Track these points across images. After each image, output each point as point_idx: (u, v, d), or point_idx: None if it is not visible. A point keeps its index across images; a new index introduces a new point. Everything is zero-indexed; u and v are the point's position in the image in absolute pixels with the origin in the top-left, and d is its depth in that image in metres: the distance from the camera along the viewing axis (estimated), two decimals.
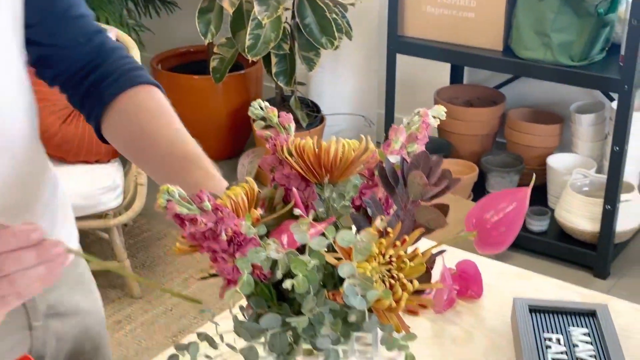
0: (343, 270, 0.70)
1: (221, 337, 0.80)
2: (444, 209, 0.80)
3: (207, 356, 0.79)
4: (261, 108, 0.90)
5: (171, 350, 0.80)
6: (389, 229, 0.79)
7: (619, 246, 2.98)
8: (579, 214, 2.91)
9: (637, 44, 2.56)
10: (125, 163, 2.82)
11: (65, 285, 1.12)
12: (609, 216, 2.80)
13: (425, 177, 0.80)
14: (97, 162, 2.65)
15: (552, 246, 2.99)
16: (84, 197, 2.55)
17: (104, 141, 1.11)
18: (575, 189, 2.95)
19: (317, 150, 0.85)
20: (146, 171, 1.11)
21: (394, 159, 0.83)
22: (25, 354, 1.06)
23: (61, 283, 1.09)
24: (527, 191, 0.87)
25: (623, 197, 2.83)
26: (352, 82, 3.70)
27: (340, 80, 3.69)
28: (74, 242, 1.15)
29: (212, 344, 0.78)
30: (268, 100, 0.92)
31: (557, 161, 3.10)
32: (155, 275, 2.92)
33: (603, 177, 2.85)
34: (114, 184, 2.62)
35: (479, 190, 3.13)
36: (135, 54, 2.73)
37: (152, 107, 1.07)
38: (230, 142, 3.70)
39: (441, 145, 3.23)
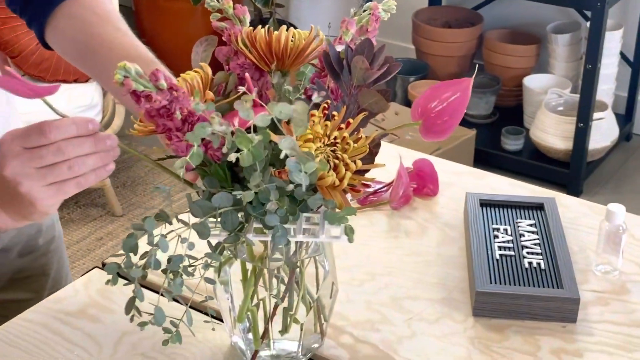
0: (283, 143, 0.74)
1: (176, 217, 0.84)
2: (385, 93, 0.84)
3: (162, 235, 0.83)
4: (217, 0, 0.93)
5: None
6: (335, 113, 0.83)
7: (592, 164, 3.04)
8: (552, 133, 2.95)
9: None
10: None
11: None
12: (581, 134, 2.85)
13: (368, 63, 0.84)
14: (75, 81, 2.67)
15: (527, 165, 3.04)
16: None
17: (47, 47, 1.11)
18: (550, 108, 2.99)
19: (268, 38, 0.89)
20: (95, 76, 1.12)
21: (339, 47, 0.87)
22: None
23: None
24: (470, 81, 0.91)
25: (596, 115, 2.87)
26: (332, 4, 3.70)
27: (319, 3, 3.69)
28: None
29: (167, 219, 0.82)
30: None
31: (533, 81, 3.13)
32: (137, 195, 2.96)
33: (577, 97, 2.89)
34: (92, 102, 2.64)
35: None
36: None
37: (100, 11, 1.08)
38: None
39: (419, 66, 3.25)
